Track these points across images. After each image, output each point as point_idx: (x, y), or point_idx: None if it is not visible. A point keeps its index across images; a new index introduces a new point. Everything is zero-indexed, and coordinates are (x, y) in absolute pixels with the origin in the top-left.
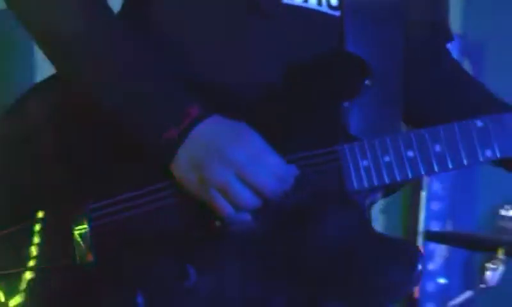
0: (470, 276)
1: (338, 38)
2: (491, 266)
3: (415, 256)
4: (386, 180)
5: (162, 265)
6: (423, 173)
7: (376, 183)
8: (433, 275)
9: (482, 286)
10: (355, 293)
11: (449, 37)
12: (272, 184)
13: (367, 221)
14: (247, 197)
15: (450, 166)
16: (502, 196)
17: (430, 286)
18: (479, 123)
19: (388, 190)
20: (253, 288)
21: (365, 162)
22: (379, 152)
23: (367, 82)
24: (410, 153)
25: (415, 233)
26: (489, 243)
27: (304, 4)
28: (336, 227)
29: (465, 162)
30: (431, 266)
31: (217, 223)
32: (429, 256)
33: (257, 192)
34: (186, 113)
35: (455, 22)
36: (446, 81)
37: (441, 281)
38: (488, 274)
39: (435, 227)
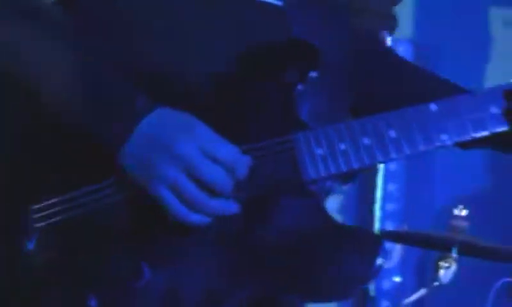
0: (425, 274)
1: (285, 27)
2: (445, 264)
3: (376, 245)
4: (343, 168)
5: (114, 265)
6: (380, 159)
7: (332, 171)
8: (389, 273)
9: (436, 284)
10: (314, 284)
11: (395, 26)
12: (224, 178)
13: (325, 211)
14: (199, 196)
15: (407, 151)
16: (456, 196)
17: (385, 284)
18: (433, 107)
19: (345, 177)
20: (211, 284)
21: (321, 151)
22: (334, 140)
23: (316, 68)
24: (366, 140)
25: None
26: (442, 242)
27: None
28: (294, 218)
29: (421, 147)
30: (387, 264)
31: (171, 220)
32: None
33: (209, 188)
34: (131, 106)
35: (407, 27)
36: (393, 69)
37: (397, 279)
38: (442, 272)
39: (390, 226)
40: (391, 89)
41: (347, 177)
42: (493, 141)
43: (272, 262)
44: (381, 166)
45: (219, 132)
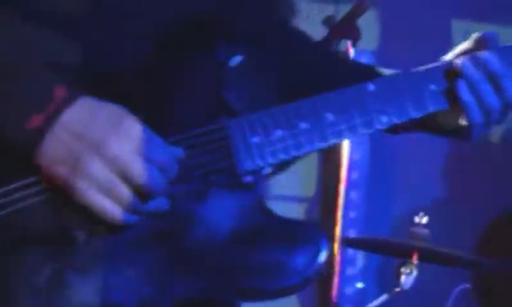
0: (386, 280)
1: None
2: (406, 271)
3: (318, 239)
4: (281, 156)
5: (35, 272)
6: (318, 145)
7: (269, 160)
8: (351, 279)
9: (397, 289)
10: (253, 282)
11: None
12: (157, 178)
13: (263, 204)
14: (133, 197)
15: (346, 136)
16: (416, 204)
17: (348, 290)
18: (371, 87)
19: (281, 166)
20: (143, 287)
21: (256, 139)
22: (269, 126)
23: (240, 52)
24: (303, 125)
25: (333, 239)
26: (403, 249)
27: None
28: (230, 212)
29: (361, 130)
30: (349, 271)
31: (100, 228)
32: (347, 262)
33: (143, 189)
34: (51, 96)
35: (370, 38)
36: (324, 58)
37: (359, 285)
38: (403, 278)
39: (353, 234)
40: (322, 78)
41: (283, 165)
42: (427, 124)
43: (209, 260)
44: (344, 174)
45: (147, 119)
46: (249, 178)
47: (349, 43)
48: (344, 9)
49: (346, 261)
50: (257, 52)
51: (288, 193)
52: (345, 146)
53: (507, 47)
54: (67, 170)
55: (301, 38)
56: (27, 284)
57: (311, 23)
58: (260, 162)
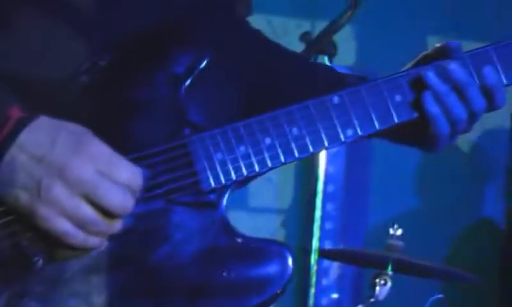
0: (361, 291)
1: (166, 20)
2: (381, 281)
3: (282, 254)
4: (245, 172)
5: None
6: (283, 160)
7: (234, 177)
8: (327, 290)
9: (372, 300)
10: (220, 300)
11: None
12: (123, 200)
13: (227, 223)
14: (99, 221)
15: (311, 150)
16: (391, 216)
17: (324, 301)
18: (335, 99)
19: (241, 182)
20: None
21: (219, 155)
22: (233, 141)
23: (203, 63)
24: (267, 140)
25: (310, 251)
26: (378, 260)
27: None
28: (195, 231)
29: (326, 144)
30: (325, 282)
31: (60, 254)
32: (323, 273)
33: (112, 212)
34: (5, 117)
35: (347, 54)
36: (284, 62)
37: (334, 295)
38: (378, 289)
39: (329, 245)
40: (284, 83)
41: (244, 182)
42: (393, 134)
43: (174, 280)
44: (320, 187)
45: (107, 138)
46: (212, 196)
47: (325, 58)
48: (320, 26)
49: (322, 272)
50: (217, 62)
51: (265, 205)
52: (322, 159)
53: (469, 54)
54: (28, 195)
55: (262, 43)
56: None
57: (288, 39)
58: (224, 180)
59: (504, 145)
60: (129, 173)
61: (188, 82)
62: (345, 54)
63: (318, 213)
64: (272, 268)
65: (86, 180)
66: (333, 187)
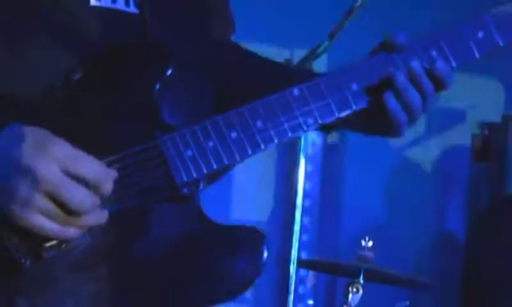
0: (335, 298)
1: (141, 34)
2: (353, 289)
3: (259, 241)
4: (215, 166)
5: None
6: (250, 152)
7: (204, 170)
8: (303, 297)
9: (345, 306)
10: (200, 291)
11: (233, 28)
12: (87, 199)
13: (202, 213)
14: (70, 219)
15: (276, 141)
16: (362, 229)
17: None
18: (296, 92)
19: (214, 176)
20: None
21: (189, 152)
22: (201, 138)
23: (170, 68)
24: (233, 134)
25: (288, 261)
26: (351, 269)
27: (112, 6)
28: (172, 225)
29: (289, 134)
30: (302, 289)
31: (45, 252)
32: (300, 281)
33: (73, 210)
34: None
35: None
36: (249, 63)
37: (310, 302)
38: (350, 296)
39: (305, 255)
40: (249, 83)
41: (216, 175)
42: (354, 123)
43: (154, 274)
44: (298, 202)
45: (80, 144)
46: (186, 190)
47: None
48: (298, 53)
49: (299, 281)
50: (189, 65)
51: (247, 218)
52: (300, 177)
53: (418, 41)
54: (3, 197)
55: (233, 48)
56: None
57: None
58: (195, 174)
59: (465, 162)
60: (94, 170)
61: (157, 87)
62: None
63: (296, 226)
64: (245, 256)
65: (48, 179)
66: (309, 202)
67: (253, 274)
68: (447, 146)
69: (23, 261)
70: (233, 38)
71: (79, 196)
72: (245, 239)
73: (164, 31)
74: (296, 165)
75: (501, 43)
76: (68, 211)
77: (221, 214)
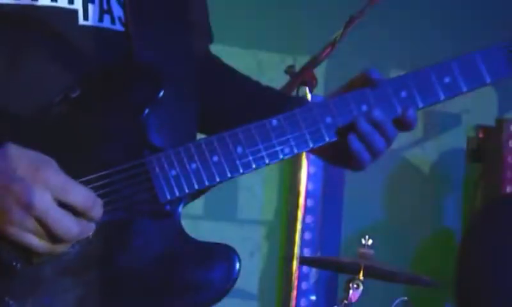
0: (336, 294)
1: (128, 52)
2: (353, 285)
3: (232, 256)
4: (196, 186)
5: None
6: (229, 175)
7: (186, 190)
8: (306, 293)
9: (345, 302)
10: (179, 299)
11: (211, 38)
12: (74, 224)
13: (182, 229)
14: (54, 246)
15: (254, 166)
16: (362, 228)
17: (303, 302)
18: (274, 122)
19: (195, 194)
20: None
21: (174, 172)
22: (185, 160)
23: (160, 88)
24: (215, 158)
25: (292, 258)
26: (351, 266)
27: (99, 24)
28: (154, 237)
29: (267, 161)
30: (304, 285)
31: (35, 260)
32: (303, 277)
33: (57, 237)
34: None
35: (326, 86)
36: (235, 82)
37: (312, 298)
38: (351, 292)
39: (307, 253)
40: (234, 102)
41: (197, 195)
42: (323, 154)
43: (135, 283)
44: (302, 202)
45: (73, 159)
46: (168, 207)
47: (307, 89)
48: (300, 60)
49: (302, 277)
50: (175, 81)
51: (252, 217)
52: (303, 178)
53: (388, 81)
54: None
55: (220, 68)
56: None
57: (273, 71)
58: (178, 192)
59: (460, 164)
60: (83, 199)
61: (147, 110)
62: (324, 85)
63: (299, 225)
64: (219, 270)
65: (40, 207)
66: (312, 202)
67: (227, 285)
68: (443, 149)
69: (14, 263)
70: (234, 45)
71: (65, 226)
72: (220, 254)
73: (149, 48)
74: (299, 167)
75: (465, 89)
76: (54, 237)
77: (229, 214)
